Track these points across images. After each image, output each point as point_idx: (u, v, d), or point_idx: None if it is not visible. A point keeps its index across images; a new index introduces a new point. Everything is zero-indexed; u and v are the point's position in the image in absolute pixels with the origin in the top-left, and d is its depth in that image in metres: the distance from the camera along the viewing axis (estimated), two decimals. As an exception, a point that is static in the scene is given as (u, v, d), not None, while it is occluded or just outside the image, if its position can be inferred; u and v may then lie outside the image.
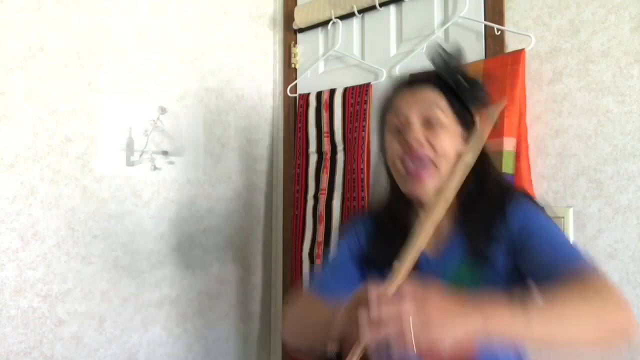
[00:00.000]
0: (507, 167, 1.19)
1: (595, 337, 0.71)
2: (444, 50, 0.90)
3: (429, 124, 0.87)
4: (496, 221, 0.85)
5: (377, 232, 0.96)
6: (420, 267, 0.83)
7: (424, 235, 0.73)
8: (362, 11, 1.59)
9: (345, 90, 1.60)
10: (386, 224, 0.95)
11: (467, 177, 0.83)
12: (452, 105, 0.89)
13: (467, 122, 0.91)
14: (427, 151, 0.86)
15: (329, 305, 0.83)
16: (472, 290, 0.80)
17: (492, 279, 0.84)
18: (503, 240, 0.85)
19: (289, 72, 1.83)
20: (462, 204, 0.89)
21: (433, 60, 0.91)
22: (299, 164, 1.70)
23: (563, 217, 1.19)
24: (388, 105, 0.94)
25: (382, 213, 0.98)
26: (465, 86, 0.89)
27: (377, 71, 1.57)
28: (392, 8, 1.55)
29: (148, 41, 1.51)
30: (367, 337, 0.64)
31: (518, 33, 1.26)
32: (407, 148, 0.87)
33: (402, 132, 0.88)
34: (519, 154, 1.21)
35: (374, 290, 0.65)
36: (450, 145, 0.87)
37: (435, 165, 0.86)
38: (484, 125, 0.74)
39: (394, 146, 0.89)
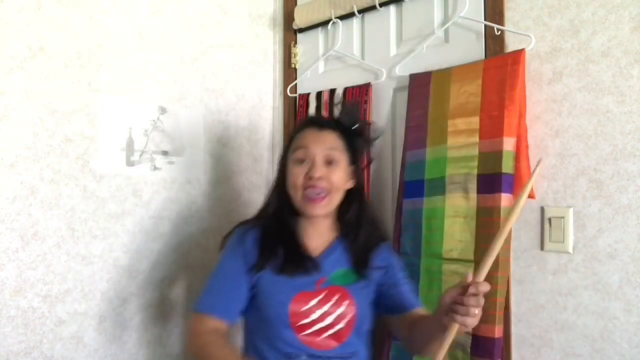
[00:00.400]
0: (507, 167, 1.19)
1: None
2: (346, 104, 1.28)
3: (328, 163, 1.13)
4: (372, 252, 1.18)
5: (264, 237, 1.16)
6: (309, 263, 1.13)
7: (495, 252, 0.90)
8: (362, 11, 1.59)
9: (345, 90, 1.60)
10: (273, 231, 1.16)
11: (350, 204, 1.19)
12: (347, 148, 1.17)
13: (356, 161, 1.19)
14: (324, 184, 1.11)
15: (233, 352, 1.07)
16: (348, 287, 1.14)
17: (364, 285, 1.16)
18: (376, 267, 1.17)
19: (289, 72, 1.83)
20: (343, 224, 1.20)
21: (338, 112, 1.23)
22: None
23: (563, 217, 1.19)
24: (298, 139, 1.17)
25: (269, 221, 1.19)
26: (359, 135, 1.20)
27: (377, 71, 1.57)
28: (392, 8, 1.55)
29: (148, 41, 1.51)
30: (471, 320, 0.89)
31: (518, 33, 1.26)
32: (309, 180, 1.11)
33: (306, 165, 1.13)
34: (519, 153, 1.21)
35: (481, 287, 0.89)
36: (342, 179, 1.14)
37: (328, 194, 1.13)
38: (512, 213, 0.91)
39: (298, 177, 1.12)
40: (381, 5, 1.53)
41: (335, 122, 1.19)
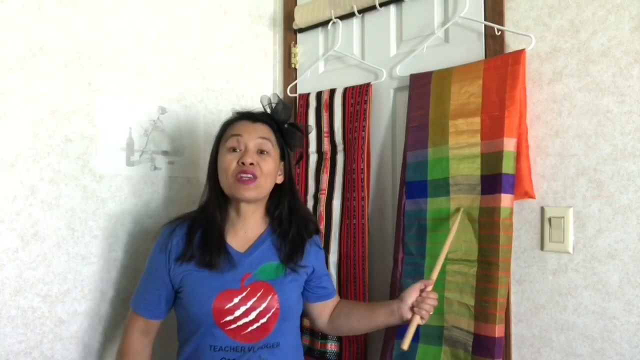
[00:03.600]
0: (508, 167, 1.19)
1: None
2: (279, 101, 1.26)
3: (260, 151, 1.18)
4: (302, 249, 1.22)
5: (191, 230, 1.19)
6: (235, 259, 1.17)
7: (447, 247, 1.24)
8: (362, 11, 1.59)
9: (345, 90, 1.60)
10: (200, 224, 1.19)
11: (280, 199, 1.24)
12: (277, 140, 1.23)
13: (284, 153, 1.24)
14: (256, 170, 1.16)
15: None
16: (273, 282, 1.17)
17: (291, 279, 1.20)
18: (305, 265, 1.23)
19: (289, 72, 1.83)
20: (273, 218, 1.24)
21: (270, 107, 1.26)
22: (299, 165, 1.70)
23: (563, 217, 1.19)
24: (231, 129, 1.21)
25: (198, 214, 1.22)
26: (289, 131, 1.25)
27: (377, 71, 1.57)
28: (392, 8, 1.55)
29: (148, 41, 1.51)
30: (427, 315, 1.15)
31: (518, 33, 1.26)
32: (242, 166, 1.15)
33: (238, 153, 1.17)
34: (519, 154, 1.21)
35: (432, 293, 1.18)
36: (271, 167, 1.19)
37: (258, 180, 1.16)
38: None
39: (231, 163, 1.16)
40: (381, 5, 1.53)
41: (268, 117, 1.24)
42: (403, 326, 1.19)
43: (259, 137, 1.18)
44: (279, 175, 1.24)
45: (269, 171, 1.18)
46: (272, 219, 1.25)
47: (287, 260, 1.20)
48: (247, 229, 1.22)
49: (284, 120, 1.25)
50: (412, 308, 1.17)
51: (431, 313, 1.16)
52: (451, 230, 1.25)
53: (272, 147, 1.20)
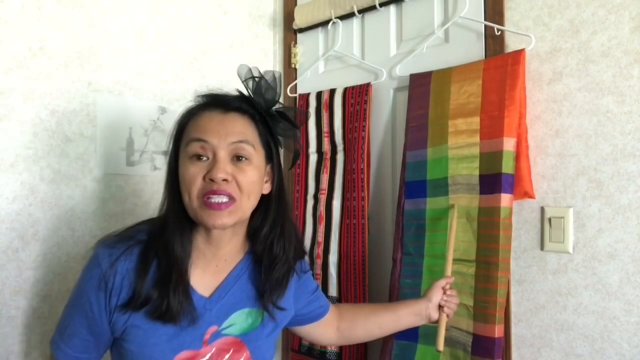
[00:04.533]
0: (507, 167, 1.19)
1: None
2: (261, 77, 0.89)
3: (236, 159, 0.85)
4: (287, 281, 0.96)
5: (141, 266, 0.85)
6: (198, 308, 0.87)
7: (452, 241, 1.23)
8: (362, 11, 1.59)
9: (345, 90, 1.60)
10: (158, 252, 0.86)
11: (267, 214, 0.92)
12: (261, 136, 0.88)
13: (271, 152, 0.91)
14: (231, 189, 0.83)
15: None
16: (245, 337, 0.92)
17: (269, 331, 0.96)
18: (285, 308, 0.97)
19: (289, 72, 1.83)
20: (259, 242, 0.93)
21: (252, 83, 0.90)
22: (299, 164, 1.70)
23: (563, 217, 1.19)
24: (193, 126, 0.87)
25: (155, 238, 0.87)
26: (276, 120, 0.90)
27: (377, 71, 1.57)
28: (392, 8, 1.55)
29: (148, 41, 1.51)
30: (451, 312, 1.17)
31: (518, 33, 1.26)
32: (210, 184, 0.82)
33: (205, 162, 0.84)
34: (519, 154, 1.21)
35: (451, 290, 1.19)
36: (254, 179, 0.86)
37: (237, 202, 0.84)
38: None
39: (195, 178, 0.83)
40: (381, 5, 1.53)
41: (246, 102, 0.89)
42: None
43: (233, 142, 0.84)
44: (266, 182, 0.92)
45: (250, 187, 0.85)
46: (254, 242, 0.94)
47: (268, 297, 0.92)
48: (219, 260, 0.92)
49: (269, 104, 0.90)
50: (439, 307, 1.18)
51: (456, 308, 1.19)
52: (452, 226, 1.26)
53: (253, 151, 0.86)
